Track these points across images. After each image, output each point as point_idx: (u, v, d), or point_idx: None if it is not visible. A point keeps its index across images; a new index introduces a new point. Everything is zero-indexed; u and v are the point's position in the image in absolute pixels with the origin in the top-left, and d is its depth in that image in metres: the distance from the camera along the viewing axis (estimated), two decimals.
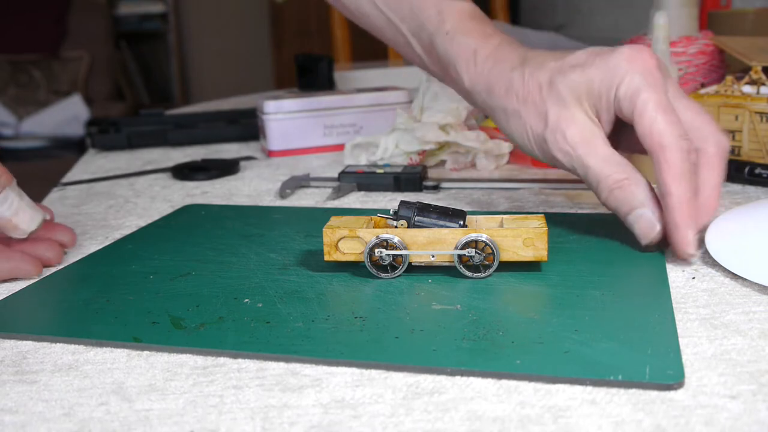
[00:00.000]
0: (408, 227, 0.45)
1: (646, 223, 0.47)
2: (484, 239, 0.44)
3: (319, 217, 0.60)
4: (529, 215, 0.47)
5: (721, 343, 0.36)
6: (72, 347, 0.39)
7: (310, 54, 1.14)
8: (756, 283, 0.42)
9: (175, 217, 0.63)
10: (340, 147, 0.84)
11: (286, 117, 0.84)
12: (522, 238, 0.44)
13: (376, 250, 0.44)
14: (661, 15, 0.62)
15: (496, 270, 0.44)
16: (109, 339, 0.39)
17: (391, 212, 0.46)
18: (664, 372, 0.33)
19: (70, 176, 0.83)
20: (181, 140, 0.95)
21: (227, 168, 0.78)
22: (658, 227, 0.47)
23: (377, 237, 0.44)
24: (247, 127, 0.96)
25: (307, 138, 0.85)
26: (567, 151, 0.49)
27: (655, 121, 0.46)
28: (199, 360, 0.37)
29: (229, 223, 0.59)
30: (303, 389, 0.34)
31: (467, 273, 0.44)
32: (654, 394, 0.31)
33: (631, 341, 0.36)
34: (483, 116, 0.79)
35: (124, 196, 0.72)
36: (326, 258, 0.46)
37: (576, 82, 0.49)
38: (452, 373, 0.34)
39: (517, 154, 0.74)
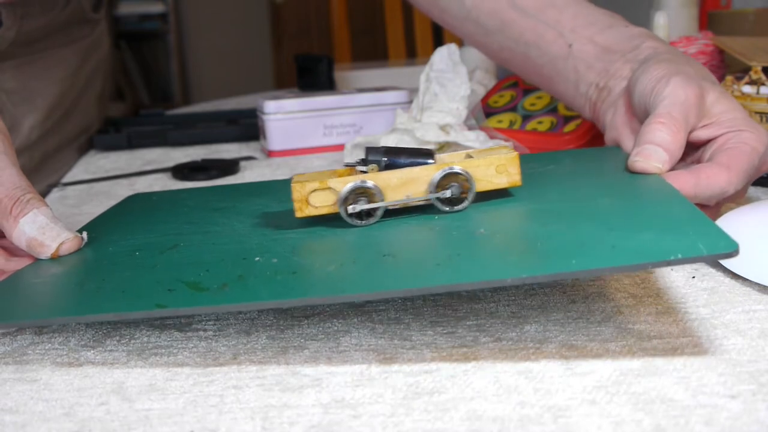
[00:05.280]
0: (379, 171, 0.44)
1: (655, 155, 0.46)
2: (459, 170, 0.43)
3: (278, 186, 0.57)
4: (495, 147, 0.47)
5: (721, 342, 0.36)
6: (72, 345, 0.39)
7: (310, 54, 1.14)
8: (756, 283, 0.42)
9: (125, 205, 0.59)
10: (340, 147, 0.84)
11: (286, 117, 0.84)
12: (494, 166, 0.43)
13: (350, 203, 0.42)
14: (661, 15, 0.61)
15: (477, 203, 0.44)
16: (128, 311, 0.36)
17: (355, 161, 0.44)
18: (716, 244, 0.32)
19: (70, 176, 0.83)
20: (181, 140, 0.95)
21: (227, 168, 0.78)
22: (661, 167, 0.45)
23: (352, 183, 0.42)
24: (247, 127, 0.96)
25: (307, 138, 0.85)
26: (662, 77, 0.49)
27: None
28: (199, 360, 0.37)
29: (190, 201, 0.56)
30: (303, 389, 0.34)
31: (446, 208, 0.43)
32: (654, 393, 0.31)
33: (668, 227, 0.35)
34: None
35: (124, 196, 0.72)
36: (297, 214, 0.43)
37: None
38: (526, 281, 0.32)
39: None
